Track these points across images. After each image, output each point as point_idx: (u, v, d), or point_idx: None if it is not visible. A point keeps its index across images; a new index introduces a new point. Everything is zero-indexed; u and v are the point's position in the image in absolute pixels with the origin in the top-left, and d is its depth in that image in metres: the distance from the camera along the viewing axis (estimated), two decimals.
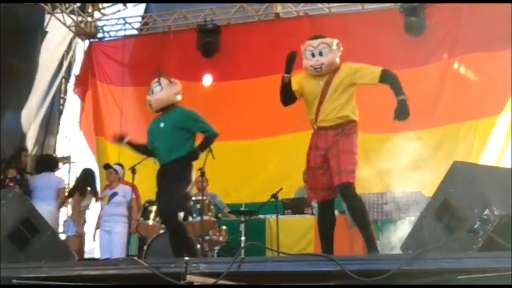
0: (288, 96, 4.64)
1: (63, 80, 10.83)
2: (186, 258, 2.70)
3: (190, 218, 6.47)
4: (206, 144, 5.20)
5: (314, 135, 4.58)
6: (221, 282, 2.58)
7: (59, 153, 10.72)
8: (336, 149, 4.33)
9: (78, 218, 7.44)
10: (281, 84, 4.59)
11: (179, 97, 5.17)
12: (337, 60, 4.64)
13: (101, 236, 7.01)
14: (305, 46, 4.67)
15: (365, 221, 4.43)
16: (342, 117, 4.43)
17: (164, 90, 5.07)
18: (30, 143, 9.69)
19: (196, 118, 5.13)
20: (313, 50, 4.61)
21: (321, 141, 4.48)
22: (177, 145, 4.95)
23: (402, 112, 4.30)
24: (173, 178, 4.92)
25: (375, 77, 4.54)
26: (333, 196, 4.50)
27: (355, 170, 4.33)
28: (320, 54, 4.59)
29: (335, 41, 4.69)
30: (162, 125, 4.97)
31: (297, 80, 4.69)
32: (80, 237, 7.30)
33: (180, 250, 4.83)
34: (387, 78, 4.57)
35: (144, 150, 5.24)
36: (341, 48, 4.74)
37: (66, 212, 9.07)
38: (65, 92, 11.03)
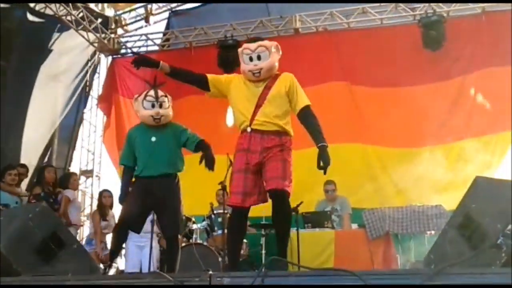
0: (187, 81, 4.63)
1: (84, 94, 10.94)
2: (210, 272, 2.70)
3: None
4: (206, 148, 5.08)
5: (245, 137, 4.22)
6: None
7: (82, 167, 10.83)
8: (277, 156, 4.07)
9: (99, 239, 7.49)
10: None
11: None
12: (276, 64, 4.34)
13: (131, 250, 7.00)
14: (242, 49, 4.38)
15: (286, 231, 4.31)
16: (279, 126, 4.16)
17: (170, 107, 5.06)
18: (53, 156, 9.83)
19: (185, 128, 5.15)
20: (251, 54, 4.28)
21: (254, 144, 4.14)
22: (171, 160, 4.97)
23: (324, 160, 4.01)
24: (175, 196, 4.98)
25: (298, 105, 4.25)
26: (256, 203, 4.18)
27: (290, 180, 4.10)
28: (259, 58, 4.26)
29: (274, 44, 4.38)
30: (153, 139, 4.90)
31: (230, 78, 4.49)
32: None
33: (174, 263, 4.91)
34: (307, 116, 4.24)
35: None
36: (280, 52, 4.41)
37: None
38: (85, 105, 11.10)
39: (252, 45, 4.32)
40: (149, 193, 4.83)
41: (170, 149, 4.97)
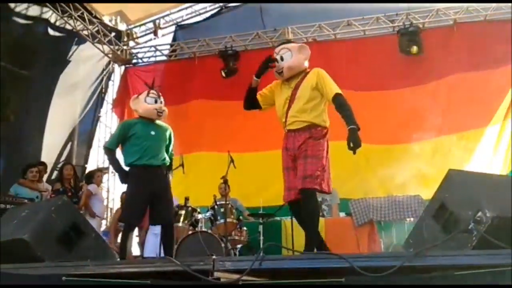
0: (250, 100, 4.38)
1: (100, 100, 10.92)
2: (214, 256, 2.71)
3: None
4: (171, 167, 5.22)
5: (284, 138, 4.21)
6: (244, 278, 2.59)
7: (99, 164, 10.81)
8: (305, 152, 3.97)
9: (113, 233, 7.51)
10: (248, 87, 4.33)
11: None
12: (305, 64, 4.27)
13: (150, 237, 7.04)
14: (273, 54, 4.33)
15: (312, 225, 4.01)
16: (307, 121, 4.06)
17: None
18: (73, 156, 9.82)
19: (173, 141, 5.20)
20: (276, 56, 4.28)
21: (290, 143, 4.11)
22: (163, 155, 4.97)
23: (353, 141, 3.82)
24: (169, 187, 4.97)
25: (328, 96, 4.12)
26: (298, 196, 4.04)
27: (321, 175, 3.95)
28: (282, 59, 4.24)
29: (298, 45, 4.32)
30: (153, 132, 4.91)
31: (270, 86, 4.41)
32: None
33: (171, 250, 4.93)
34: (338, 105, 4.06)
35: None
36: (307, 52, 4.33)
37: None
38: (100, 109, 11.06)
39: (277, 48, 4.34)
40: (146, 183, 4.78)
41: (163, 146, 5.01)
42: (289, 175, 4.12)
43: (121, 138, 4.95)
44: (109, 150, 5.02)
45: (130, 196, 4.90)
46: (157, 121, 5.08)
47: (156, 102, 5.01)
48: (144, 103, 4.98)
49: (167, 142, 5.08)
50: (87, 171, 9.87)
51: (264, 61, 4.28)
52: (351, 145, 3.83)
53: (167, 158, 5.05)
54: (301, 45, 4.37)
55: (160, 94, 5.09)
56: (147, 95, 5.01)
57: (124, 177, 4.90)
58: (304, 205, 3.99)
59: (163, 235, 5.05)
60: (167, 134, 5.09)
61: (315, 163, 3.95)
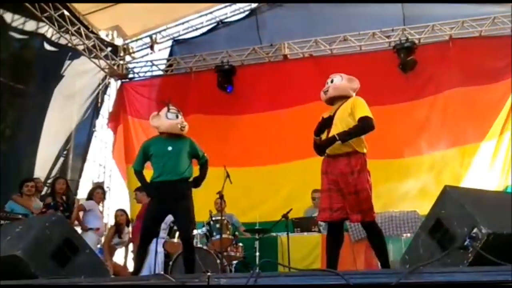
0: (321, 151, 4.42)
1: (95, 114, 10.91)
2: (209, 273, 2.69)
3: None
4: (205, 169, 5.34)
5: (324, 161, 4.34)
6: None
7: (94, 179, 10.79)
8: (355, 188, 4.10)
9: (107, 252, 7.50)
10: (314, 145, 4.44)
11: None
12: (351, 92, 4.45)
13: None
14: None
15: (385, 248, 4.27)
16: (345, 146, 4.16)
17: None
18: (68, 170, 9.79)
19: (198, 147, 5.31)
20: (328, 80, 4.53)
21: (331, 168, 4.23)
22: (182, 169, 5.01)
23: (324, 143, 4.23)
24: (188, 198, 5.01)
25: (355, 118, 4.25)
26: (344, 217, 4.24)
27: (372, 205, 4.20)
28: (332, 81, 4.48)
29: (350, 76, 4.55)
30: (170, 148, 5.00)
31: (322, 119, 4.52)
32: None
33: (192, 263, 4.96)
34: (359, 122, 4.24)
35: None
36: (357, 84, 4.53)
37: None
38: (96, 123, 11.05)
39: (331, 75, 4.56)
40: (164, 197, 4.92)
41: (183, 158, 5.06)
42: (329, 196, 4.24)
43: (143, 158, 5.14)
44: (135, 171, 5.20)
45: (146, 211, 5.19)
46: (181, 137, 5.16)
47: (177, 117, 5.12)
48: (166, 119, 5.08)
49: (190, 152, 5.15)
50: (80, 185, 9.88)
51: (322, 120, 4.43)
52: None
53: (188, 172, 5.09)
54: (352, 77, 4.56)
55: (179, 109, 5.20)
56: (168, 111, 5.11)
57: (148, 194, 5.20)
58: (377, 235, 4.28)
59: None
60: (187, 145, 5.15)
61: (366, 195, 4.16)
